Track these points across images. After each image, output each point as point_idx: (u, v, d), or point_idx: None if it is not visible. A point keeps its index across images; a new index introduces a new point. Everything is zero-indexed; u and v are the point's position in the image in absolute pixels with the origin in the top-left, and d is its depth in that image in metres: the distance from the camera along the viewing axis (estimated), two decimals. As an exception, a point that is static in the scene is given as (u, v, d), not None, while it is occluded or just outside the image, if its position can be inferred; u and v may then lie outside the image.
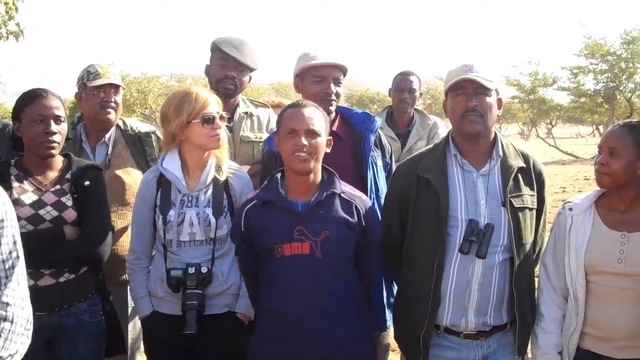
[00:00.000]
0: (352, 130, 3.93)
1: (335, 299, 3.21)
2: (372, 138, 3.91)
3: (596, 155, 3.32)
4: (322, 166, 3.35)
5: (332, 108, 3.85)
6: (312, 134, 3.22)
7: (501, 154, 3.34)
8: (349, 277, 3.30)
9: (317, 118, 3.26)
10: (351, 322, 3.25)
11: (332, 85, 3.84)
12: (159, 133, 4.44)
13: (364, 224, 3.29)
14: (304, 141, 3.19)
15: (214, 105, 3.60)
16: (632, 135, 3.22)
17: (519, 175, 3.33)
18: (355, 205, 3.29)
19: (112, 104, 4.31)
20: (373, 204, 3.60)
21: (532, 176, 3.39)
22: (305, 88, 3.92)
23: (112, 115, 4.31)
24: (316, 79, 3.87)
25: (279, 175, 3.37)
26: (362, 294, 3.39)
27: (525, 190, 3.33)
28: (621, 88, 34.61)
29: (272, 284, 3.29)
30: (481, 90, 3.25)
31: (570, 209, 3.33)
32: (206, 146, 3.60)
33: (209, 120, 3.54)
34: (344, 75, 3.94)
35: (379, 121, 4.02)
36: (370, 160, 3.85)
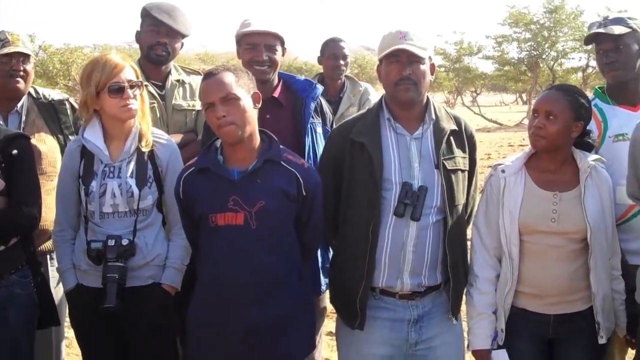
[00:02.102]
0: (293, 97, 3.88)
1: (272, 272, 3.15)
2: (313, 105, 3.87)
3: (531, 119, 3.35)
4: (264, 132, 3.28)
5: (269, 76, 3.79)
6: (230, 99, 3.10)
7: (434, 117, 3.35)
8: (287, 249, 3.23)
9: (231, 82, 3.12)
10: (289, 295, 3.20)
11: (265, 53, 3.80)
12: (72, 101, 4.33)
13: (304, 194, 3.22)
14: (221, 112, 3.07)
15: (125, 72, 3.44)
16: (568, 99, 3.28)
17: (451, 137, 3.35)
18: (296, 175, 3.21)
19: (21, 73, 4.15)
20: None
21: (464, 138, 3.42)
22: (242, 55, 3.88)
23: (21, 85, 4.15)
24: (249, 46, 3.82)
25: (218, 142, 3.28)
26: (302, 267, 3.33)
27: (458, 152, 3.36)
28: (544, 56, 35.39)
29: (208, 253, 3.22)
30: (415, 58, 3.25)
31: (503, 171, 3.36)
32: (118, 117, 3.47)
33: (116, 91, 3.40)
34: (282, 43, 3.89)
35: (321, 89, 3.99)
36: (309, 127, 3.82)
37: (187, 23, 4.42)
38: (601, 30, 3.76)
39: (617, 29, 3.71)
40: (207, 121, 3.26)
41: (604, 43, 3.78)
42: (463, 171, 3.37)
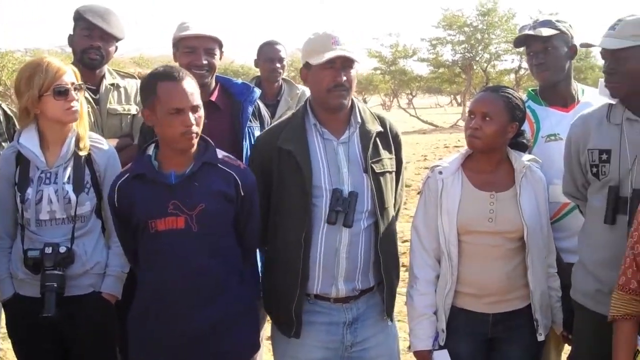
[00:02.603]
0: (231, 100, 3.84)
1: (214, 275, 3.12)
2: (251, 108, 3.83)
3: (467, 120, 3.40)
4: (200, 135, 3.25)
5: (207, 80, 3.75)
6: (196, 109, 3.09)
7: (359, 120, 3.36)
8: (228, 251, 3.21)
9: (196, 90, 3.12)
10: (231, 298, 3.18)
11: (204, 57, 3.76)
12: (4, 106, 4.22)
13: (242, 194, 3.20)
14: (192, 120, 3.05)
15: (67, 75, 3.39)
16: (504, 101, 3.34)
17: (377, 139, 3.37)
18: (234, 176, 3.19)
19: None
20: None
21: (390, 139, 3.44)
22: (179, 59, 3.82)
23: None
24: (187, 50, 3.77)
25: (152, 146, 3.22)
26: (243, 269, 3.31)
27: (385, 154, 3.37)
28: (477, 58, 35.97)
29: (148, 260, 3.17)
30: (349, 64, 3.26)
31: (440, 172, 3.40)
32: (62, 120, 3.41)
33: (61, 93, 3.34)
34: (220, 46, 3.86)
35: (259, 92, 3.98)
36: (247, 130, 3.78)
37: (121, 26, 4.36)
38: (530, 32, 3.84)
39: (546, 31, 3.79)
40: (158, 124, 3.12)
41: (533, 45, 3.86)
42: (391, 172, 3.39)
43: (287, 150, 3.24)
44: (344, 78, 3.23)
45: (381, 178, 3.32)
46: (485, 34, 35.04)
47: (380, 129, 3.38)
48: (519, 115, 3.38)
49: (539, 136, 3.87)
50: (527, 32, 3.87)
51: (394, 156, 3.42)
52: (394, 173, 3.42)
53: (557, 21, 3.88)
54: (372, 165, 3.29)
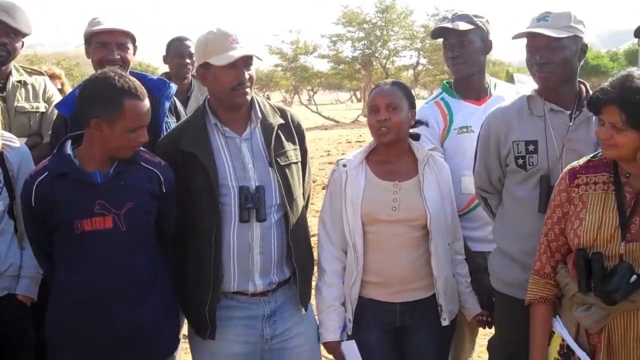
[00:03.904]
0: (148, 96, 3.80)
1: (142, 273, 3.09)
2: (167, 104, 3.81)
3: (370, 116, 3.45)
4: None
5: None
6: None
7: (260, 115, 3.36)
8: (152, 249, 3.18)
9: None
10: (158, 295, 3.15)
11: (116, 51, 3.70)
12: None
13: (164, 191, 3.17)
14: (145, 135, 3.08)
15: None
16: (400, 90, 3.46)
17: (280, 132, 3.38)
18: (157, 173, 3.16)
19: None
20: None
21: (292, 130, 3.46)
22: (92, 54, 3.75)
23: None
24: (99, 45, 3.71)
25: (69, 143, 3.14)
26: (165, 266, 3.27)
27: (288, 145, 3.39)
28: (377, 55, 36.51)
29: (72, 261, 3.08)
30: (249, 61, 3.27)
31: (344, 165, 3.46)
32: None
33: None
34: (133, 41, 3.81)
35: (175, 87, 3.93)
36: (164, 126, 3.75)
37: (28, 22, 4.23)
38: (448, 25, 3.94)
39: (462, 25, 3.90)
40: (118, 139, 3.03)
41: (450, 38, 3.97)
42: (296, 163, 3.42)
43: (190, 152, 3.21)
44: (247, 76, 3.23)
45: (287, 170, 3.34)
46: (384, 30, 35.61)
47: (281, 121, 3.39)
48: (413, 102, 3.49)
49: (452, 128, 3.97)
50: (444, 25, 3.97)
51: (298, 147, 3.44)
52: (299, 163, 3.44)
53: (475, 16, 3.99)
54: (277, 158, 3.30)
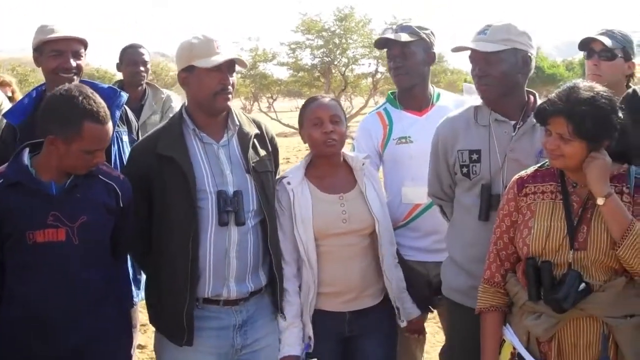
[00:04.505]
0: None
1: (92, 288, 3.05)
2: (118, 113, 3.76)
3: (314, 129, 3.44)
4: None
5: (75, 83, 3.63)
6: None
7: (237, 122, 3.37)
8: (106, 262, 3.15)
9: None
10: (110, 309, 3.12)
11: (72, 59, 3.65)
12: None
13: (122, 205, 3.15)
14: (102, 157, 3.06)
15: None
16: (339, 105, 3.57)
17: (256, 141, 3.40)
18: (114, 187, 3.13)
19: None
20: None
21: (267, 141, 3.48)
22: (44, 62, 3.67)
23: None
24: (54, 53, 3.64)
25: (26, 151, 3.07)
26: (119, 280, 3.27)
27: (264, 154, 3.41)
28: (336, 62, 36.51)
29: (22, 273, 3.01)
30: (233, 67, 3.28)
31: (289, 183, 3.46)
32: None
33: None
34: (85, 48, 3.76)
35: (126, 96, 3.89)
36: (115, 135, 3.69)
37: None
38: (390, 36, 3.98)
39: (405, 37, 3.94)
40: (72, 158, 2.99)
41: (393, 49, 4.01)
42: (271, 172, 3.44)
43: (168, 156, 3.19)
44: (231, 81, 3.25)
45: (263, 177, 3.35)
46: (343, 38, 35.64)
47: (257, 131, 3.42)
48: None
49: (391, 138, 4.01)
50: (387, 35, 4.01)
51: (272, 157, 3.47)
52: (273, 173, 3.46)
53: (419, 27, 4.02)
54: (254, 164, 3.31)
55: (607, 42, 3.71)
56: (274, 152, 3.51)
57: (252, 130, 3.39)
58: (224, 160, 3.29)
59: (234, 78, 3.30)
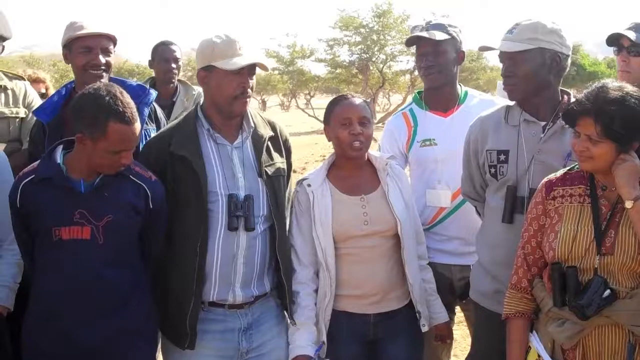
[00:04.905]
0: None
1: (115, 287, 3.04)
2: (146, 111, 3.77)
3: (342, 129, 3.37)
4: None
5: (104, 80, 3.63)
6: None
7: (252, 124, 3.34)
8: (132, 263, 3.14)
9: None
10: (132, 311, 3.10)
11: (101, 56, 3.66)
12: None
13: (152, 207, 3.13)
14: (130, 158, 3.04)
15: None
16: (368, 106, 3.51)
17: (269, 144, 3.37)
18: (145, 188, 3.11)
19: None
20: None
21: (281, 143, 3.45)
22: (74, 59, 3.69)
23: None
24: (83, 50, 3.66)
25: (59, 148, 3.09)
26: (146, 282, 3.24)
27: (277, 158, 3.38)
28: (374, 59, 36.46)
29: (47, 269, 3.03)
30: (253, 70, 3.26)
31: (309, 185, 3.43)
32: None
33: None
34: (114, 44, 3.77)
35: (155, 94, 3.89)
36: (144, 133, 3.66)
37: (7, 25, 4.17)
38: (423, 34, 3.89)
39: (439, 35, 3.86)
40: (98, 157, 2.98)
41: (424, 47, 3.91)
42: (284, 176, 3.40)
43: (181, 155, 3.18)
44: (250, 84, 3.22)
45: (275, 182, 3.32)
46: (381, 35, 35.57)
47: (271, 133, 3.38)
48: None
49: (415, 141, 3.97)
50: (419, 33, 3.92)
51: (285, 160, 3.44)
52: (286, 177, 3.43)
53: (449, 26, 3.96)
54: (266, 169, 3.29)
55: (635, 37, 3.59)
56: (287, 154, 3.47)
57: (267, 133, 3.36)
58: (236, 163, 3.27)
59: (254, 81, 3.27)
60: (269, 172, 3.30)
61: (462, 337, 5.31)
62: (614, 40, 3.70)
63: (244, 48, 3.20)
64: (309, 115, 37.17)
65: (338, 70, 38.42)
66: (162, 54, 5.91)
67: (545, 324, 2.84)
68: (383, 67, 36.70)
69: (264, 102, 57.93)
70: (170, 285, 3.25)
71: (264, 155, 3.30)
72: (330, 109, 3.48)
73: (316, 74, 41.20)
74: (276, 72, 40.78)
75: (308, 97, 47.85)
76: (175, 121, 3.48)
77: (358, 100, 3.46)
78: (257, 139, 3.32)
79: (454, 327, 4.32)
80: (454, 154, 3.72)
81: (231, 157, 3.27)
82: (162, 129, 3.53)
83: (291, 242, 3.46)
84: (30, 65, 32.36)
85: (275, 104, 61.88)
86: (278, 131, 3.45)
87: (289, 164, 3.50)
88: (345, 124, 3.37)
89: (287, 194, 3.49)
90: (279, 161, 3.38)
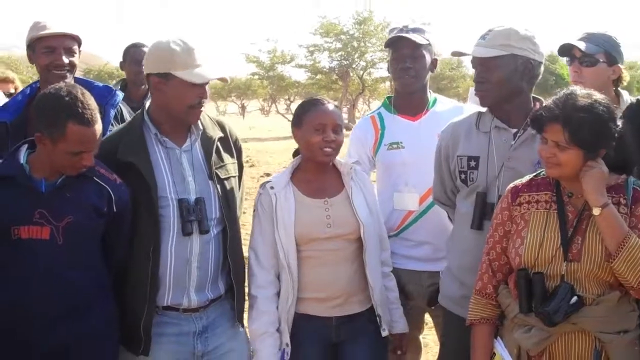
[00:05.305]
0: None
1: (78, 288, 3.00)
2: (113, 112, 3.72)
3: (315, 134, 3.31)
4: None
5: (67, 81, 3.58)
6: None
7: (200, 127, 3.30)
8: (93, 266, 3.09)
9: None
10: (97, 311, 3.06)
11: (64, 56, 3.61)
12: None
13: (115, 210, 3.08)
14: (91, 160, 2.96)
15: None
16: (340, 113, 3.49)
17: (219, 145, 3.33)
18: (108, 191, 3.06)
19: None
20: None
21: (231, 144, 3.42)
22: (37, 59, 3.63)
23: None
24: (46, 50, 3.60)
25: (24, 147, 3.04)
26: (110, 286, 3.19)
27: (227, 159, 3.35)
28: (354, 66, 36.57)
29: (6, 268, 2.97)
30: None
31: (272, 187, 3.40)
32: None
33: None
34: (79, 45, 3.71)
35: (121, 95, 3.83)
36: None
37: None
38: (407, 35, 3.85)
39: (418, 38, 3.83)
40: (58, 158, 2.92)
41: (403, 49, 3.86)
42: (235, 177, 3.37)
43: (129, 162, 3.12)
44: (207, 94, 3.19)
45: (226, 184, 3.29)
46: (361, 42, 35.71)
47: (221, 134, 3.34)
48: None
49: (382, 144, 3.93)
50: (402, 34, 3.87)
51: (236, 161, 3.40)
52: (237, 178, 3.40)
53: (427, 32, 3.94)
54: (217, 171, 3.25)
55: (586, 47, 3.59)
56: (238, 155, 3.44)
57: (216, 134, 3.31)
58: (186, 167, 3.22)
59: (208, 90, 3.23)
60: (220, 175, 3.26)
61: (434, 343, 5.28)
62: (566, 50, 3.69)
63: (200, 57, 3.14)
64: (289, 120, 37.17)
65: (318, 76, 38.49)
66: (134, 56, 5.84)
67: (511, 330, 2.82)
68: (363, 73, 36.81)
69: (243, 107, 57.90)
70: (124, 291, 3.20)
71: (214, 157, 3.25)
72: (303, 112, 3.41)
73: (296, 79, 41.30)
74: (256, 77, 40.81)
75: (288, 102, 47.84)
76: (122, 126, 3.43)
77: (332, 106, 3.42)
78: (206, 141, 3.27)
79: (426, 332, 4.31)
80: (421, 157, 3.70)
81: (180, 160, 3.22)
82: (108, 134, 3.43)
83: (252, 244, 3.43)
84: (9, 67, 32.20)
85: (255, 109, 61.79)
86: (228, 131, 3.40)
87: (240, 164, 3.46)
88: (319, 130, 3.32)
89: (239, 195, 3.45)
90: (230, 162, 3.34)
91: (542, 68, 3.31)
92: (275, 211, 3.34)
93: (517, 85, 3.22)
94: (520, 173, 3.07)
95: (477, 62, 3.24)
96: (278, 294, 3.38)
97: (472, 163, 3.31)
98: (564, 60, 3.87)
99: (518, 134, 3.25)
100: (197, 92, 3.13)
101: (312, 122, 3.35)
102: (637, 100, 3.33)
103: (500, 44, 3.17)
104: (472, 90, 4.11)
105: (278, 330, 3.35)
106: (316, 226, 3.33)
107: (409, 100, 3.96)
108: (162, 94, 3.17)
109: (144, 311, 3.13)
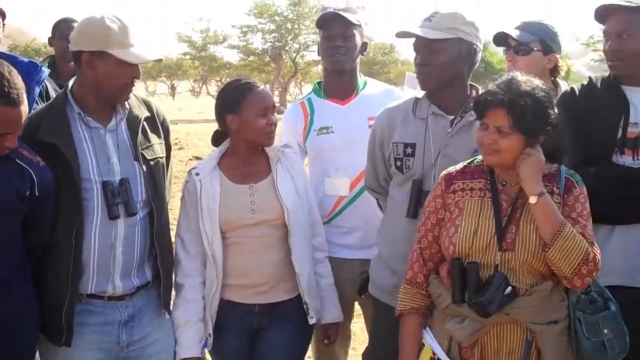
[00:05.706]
0: None
1: None
2: (38, 89, 3.49)
3: (261, 119, 3.27)
4: None
5: None
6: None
7: (127, 106, 3.17)
8: (11, 249, 2.93)
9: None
10: (15, 294, 2.91)
11: None
12: None
13: (37, 193, 2.92)
14: (14, 142, 2.77)
15: None
16: None
17: (146, 124, 3.22)
18: (31, 173, 2.90)
19: None
20: None
21: (158, 123, 3.31)
22: None
23: None
24: None
25: None
26: (28, 270, 3.02)
27: (154, 139, 3.24)
28: (287, 48, 36.50)
29: None
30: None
31: (197, 174, 3.33)
32: None
33: None
34: (3, 18, 3.53)
35: (47, 71, 3.64)
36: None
37: None
38: (341, 13, 3.82)
39: (351, 17, 3.80)
40: None
41: (335, 28, 3.81)
42: (162, 158, 3.27)
43: (51, 143, 2.98)
44: (140, 74, 3.10)
45: (153, 165, 3.18)
46: (296, 24, 35.67)
47: (147, 113, 3.23)
48: None
49: (312, 129, 3.88)
50: (337, 11, 3.85)
51: (163, 141, 3.30)
52: (164, 159, 3.29)
53: (358, 14, 3.92)
54: (143, 152, 3.14)
55: (520, 35, 3.62)
56: (165, 135, 3.33)
57: (142, 113, 3.19)
58: (111, 147, 3.10)
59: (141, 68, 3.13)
60: (146, 155, 3.14)
61: (360, 331, 5.25)
62: (501, 39, 3.71)
63: (135, 35, 3.03)
64: (220, 102, 37.00)
65: (251, 58, 38.38)
66: (63, 31, 5.62)
67: (442, 321, 2.76)
68: (296, 56, 36.80)
69: (173, 88, 57.23)
70: (45, 279, 3.04)
71: (140, 137, 3.13)
72: (241, 96, 3.31)
73: (228, 60, 41.03)
74: (188, 57, 40.37)
75: (219, 84, 47.46)
76: (43, 105, 3.29)
77: (265, 90, 3.39)
78: (132, 121, 3.14)
79: (354, 321, 4.26)
80: (351, 141, 3.67)
81: (105, 140, 3.08)
82: (30, 114, 3.29)
83: (179, 231, 3.35)
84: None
85: (186, 90, 61.12)
86: (155, 111, 3.28)
87: (168, 145, 3.34)
88: (263, 114, 3.27)
89: (167, 177, 3.35)
90: (157, 142, 3.22)
91: (480, 55, 3.27)
92: (200, 198, 3.26)
93: (459, 70, 3.19)
94: (457, 161, 3.00)
95: (422, 43, 3.17)
96: (204, 283, 3.30)
97: (409, 150, 3.25)
98: (494, 48, 3.88)
99: (455, 121, 3.20)
100: (131, 71, 3.04)
101: (254, 106, 3.29)
102: (572, 88, 3.32)
103: (448, 27, 3.12)
104: (408, 75, 4.06)
105: (203, 319, 3.28)
106: (240, 212, 3.27)
107: (339, 82, 3.91)
108: (93, 72, 3.03)
109: (66, 300, 2.99)
